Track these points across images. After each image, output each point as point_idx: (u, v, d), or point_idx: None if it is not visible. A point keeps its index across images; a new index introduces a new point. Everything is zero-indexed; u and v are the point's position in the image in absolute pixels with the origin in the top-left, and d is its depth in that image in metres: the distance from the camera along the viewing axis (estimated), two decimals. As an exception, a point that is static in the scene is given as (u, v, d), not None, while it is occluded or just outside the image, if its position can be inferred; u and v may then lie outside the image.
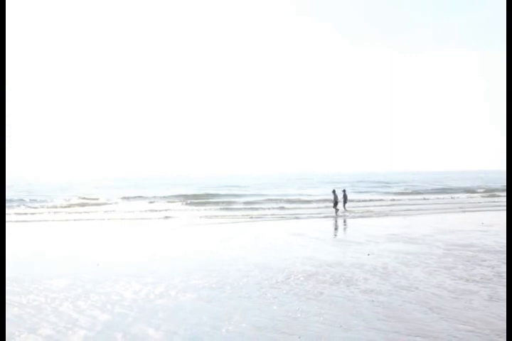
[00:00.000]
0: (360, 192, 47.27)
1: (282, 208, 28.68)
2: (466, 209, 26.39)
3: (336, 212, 23.85)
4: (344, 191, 25.90)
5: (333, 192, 24.42)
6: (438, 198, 37.49)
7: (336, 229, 18.52)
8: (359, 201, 32.57)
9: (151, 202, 33.64)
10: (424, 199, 36.37)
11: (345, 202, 25.37)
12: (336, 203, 24.21)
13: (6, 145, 6.93)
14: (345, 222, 20.85)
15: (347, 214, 24.06)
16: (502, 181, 67.35)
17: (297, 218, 22.26)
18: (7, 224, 18.48)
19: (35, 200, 35.26)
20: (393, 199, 35.51)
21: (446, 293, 7.69)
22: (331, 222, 20.78)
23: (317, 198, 35.44)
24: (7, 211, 23.24)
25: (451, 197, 37.32)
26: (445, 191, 48.04)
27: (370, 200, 34.28)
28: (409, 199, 36.12)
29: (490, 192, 44.43)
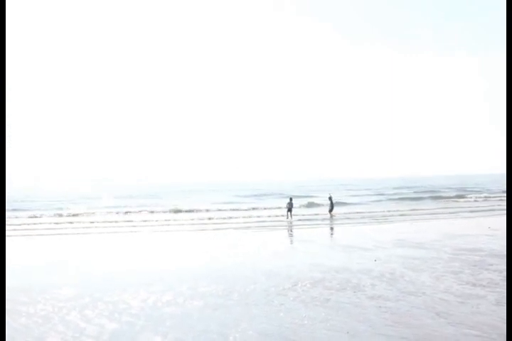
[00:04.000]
0: (368, 200, 47.10)
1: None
2: (470, 214, 26.27)
3: (287, 218, 24.66)
4: (330, 198, 27.26)
5: (290, 199, 25.80)
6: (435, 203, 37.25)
7: (343, 235, 18.49)
8: (362, 213, 32.28)
9: (154, 213, 33.23)
10: (415, 206, 36.14)
11: (331, 208, 26.69)
12: (288, 210, 25.15)
13: (6, 145, 6.98)
14: (341, 228, 20.79)
15: (332, 219, 23.99)
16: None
17: (306, 226, 22.25)
18: (10, 234, 18.58)
19: (27, 210, 34.58)
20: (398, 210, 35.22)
21: (453, 298, 7.65)
22: (340, 228, 20.75)
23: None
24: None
25: (446, 200, 36.77)
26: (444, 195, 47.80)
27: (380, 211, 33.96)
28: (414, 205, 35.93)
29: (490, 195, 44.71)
